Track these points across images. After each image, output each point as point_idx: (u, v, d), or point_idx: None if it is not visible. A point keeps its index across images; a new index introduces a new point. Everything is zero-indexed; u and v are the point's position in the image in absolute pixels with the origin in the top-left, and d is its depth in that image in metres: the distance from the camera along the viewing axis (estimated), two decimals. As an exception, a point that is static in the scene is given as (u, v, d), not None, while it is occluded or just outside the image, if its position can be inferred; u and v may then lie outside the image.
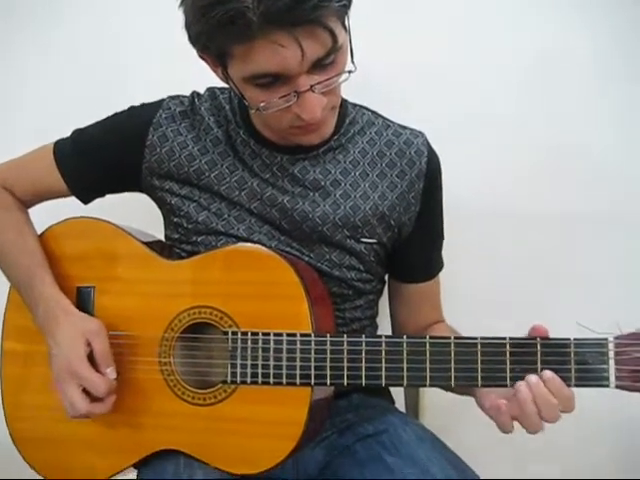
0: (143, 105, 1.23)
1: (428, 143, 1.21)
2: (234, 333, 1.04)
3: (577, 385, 0.93)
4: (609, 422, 1.55)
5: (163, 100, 1.22)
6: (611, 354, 0.92)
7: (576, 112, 1.51)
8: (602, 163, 1.51)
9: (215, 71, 1.07)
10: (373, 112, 1.23)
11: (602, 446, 1.58)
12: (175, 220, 1.19)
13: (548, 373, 0.93)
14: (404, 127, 1.22)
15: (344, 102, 1.20)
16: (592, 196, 1.51)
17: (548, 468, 1.59)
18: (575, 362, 0.93)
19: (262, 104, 1.02)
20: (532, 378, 0.93)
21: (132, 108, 1.23)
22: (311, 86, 0.99)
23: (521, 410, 0.93)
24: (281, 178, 1.16)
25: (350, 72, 1.02)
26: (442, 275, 1.29)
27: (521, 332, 0.97)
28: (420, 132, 1.22)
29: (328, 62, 0.99)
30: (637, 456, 1.58)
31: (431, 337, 0.98)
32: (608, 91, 1.51)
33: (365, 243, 1.16)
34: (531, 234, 1.54)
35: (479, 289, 1.53)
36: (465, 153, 1.49)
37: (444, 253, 1.29)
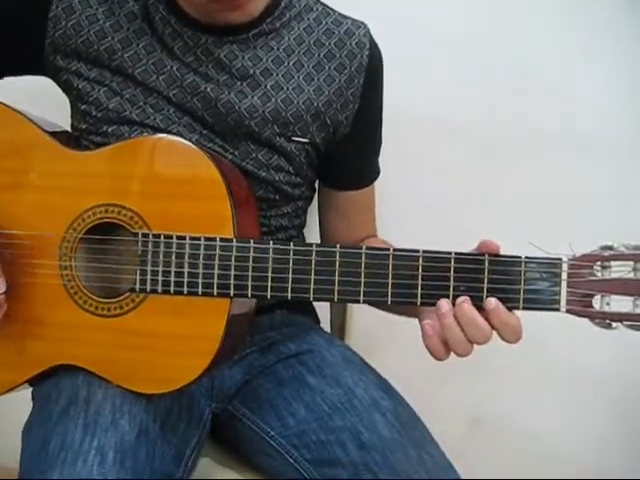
0: None
1: (371, 35, 1.11)
2: (145, 235, 0.94)
3: (525, 308, 0.85)
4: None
5: None
6: (564, 276, 0.84)
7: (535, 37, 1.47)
8: (553, 83, 1.48)
9: None
10: None
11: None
12: (83, 107, 1.07)
13: (492, 302, 0.85)
14: (345, 16, 1.12)
15: (280, -19, 1.09)
16: (544, 113, 1.48)
17: (478, 387, 1.57)
18: (525, 282, 0.85)
19: None
20: (459, 299, 0.86)
21: None
22: None
23: (446, 334, 0.86)
24: (205, 63, 1.05)
25: None
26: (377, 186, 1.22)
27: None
28: (362, 23, 1.12)
29: None
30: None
31: (368, 248, 0.89)
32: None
33: (296, 142, 1.07)
34: (483, 151, 1.50)
35: (417, 202, 1.50)
36: (411, 58, 1.43)
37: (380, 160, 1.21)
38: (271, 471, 1.03)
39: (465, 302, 0.85)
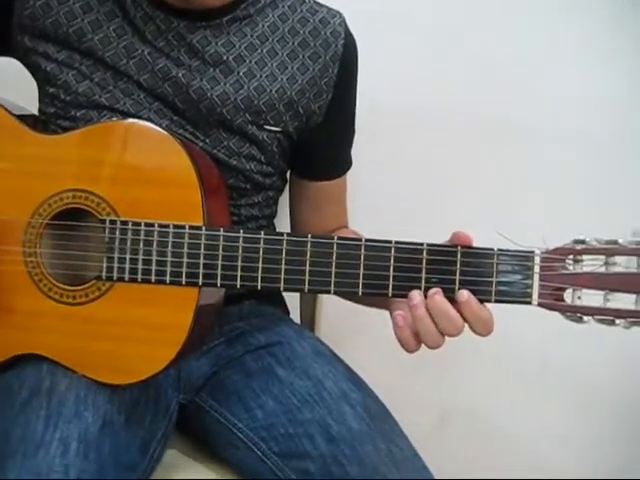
0: None
1: (346, 25, 1.11)
2: (112, 222, 0.92)
3: (497, 301, 0.85)
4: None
5: None
6: (536, 269, 0.84)
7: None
8: (525, 74, 1.49)
9: None
10: None
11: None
12: (51, 91, 1.05)
13: (465, 294, 0.84)
14: (321, 5, 1.11)
15: (255, -34, 1.07)
16: (517, 105, 1.49)
17: (448, 380, 1.57)
18: (497, 275, 0.84)
19: None
20: (431, 291, 0.85)
21: None
22: None
23: (417, 326, 0.85)
24: (177, 48, 1.03)
25: None
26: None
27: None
28: (338, 12, 1.11)
29: None
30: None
31: (339, 238, 0.88)
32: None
33: (268, 131, 1.06)
34: (456, 143, 1.50)
35: (389, 193, 1.49)
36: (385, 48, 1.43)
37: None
38: (238, 464, 1.01)
39: (437, 294, 0.84)
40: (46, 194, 0.94)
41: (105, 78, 1.03)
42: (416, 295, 0.85)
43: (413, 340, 0.86)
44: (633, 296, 0.81)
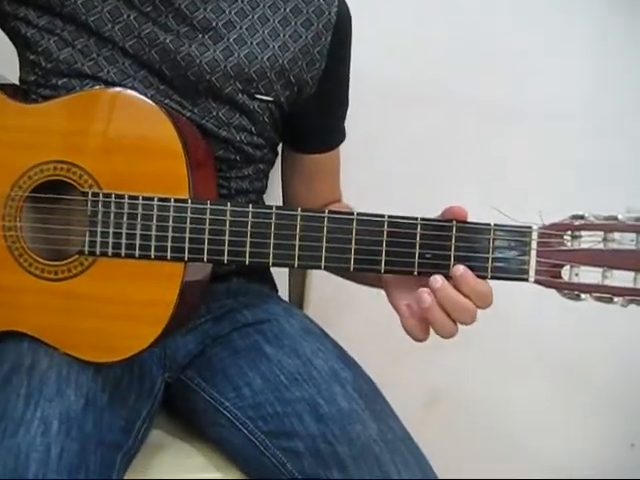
0: None
1: None
2: (95, 194, 0.89)
3: (493, 277, 0.83)
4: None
5: None
6: (533, 244, 0.82)
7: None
8: (522, 51, 1.48)
9: None
10: None
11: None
12: (32, 58, 1.02)
13: (460, 268, 0.81)
14: None
15: None
16: (514, 82, 1.48)
17: (438, 360, 1.56)
18: (493, 251, 0.82)
19: None
20: (435, 282, 0.81)
21: None
22: None
23: (427, 318, 0.83)
24: (164, 13, 1.00)
25: None
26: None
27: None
28: None
29: None
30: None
31: (330, 211, 0.85)
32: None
33: (260, 100, 1.03)
34: (451, 117, 1.49)
35: (383, 168, 1.48)
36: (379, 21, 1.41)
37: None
38: (225, 443, 1.00)
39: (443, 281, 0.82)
40: (26, 166, 0.91)
41: (88, 45, 1.00)
42: (427, 297, 0.82)
43: (420, 329, 0.84)
44: (632, 273, 0.80)
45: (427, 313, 0.82)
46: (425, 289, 0.82)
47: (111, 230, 0.88)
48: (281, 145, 1.17)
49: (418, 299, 0.82)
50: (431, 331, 0.84)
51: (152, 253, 0.87)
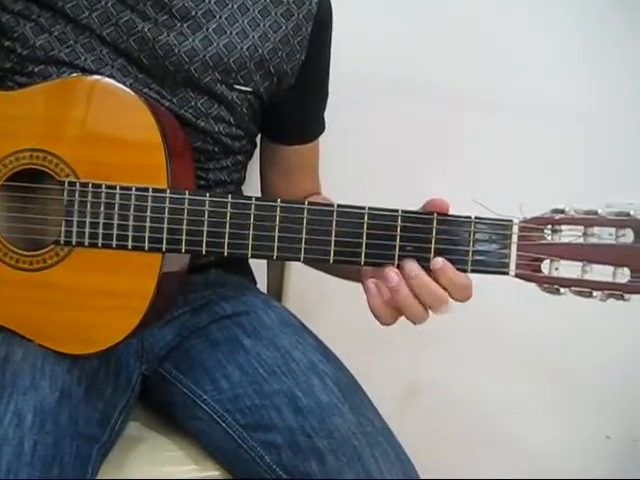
0: None
1: None
2: (71, 184, 0.88)
3: (474, 271, 0.82)
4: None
5: None
6: (514, 238, 0.81)
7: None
8: (506, 47, 1.48)
9: None
10: None
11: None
12: (7, 44, 1.00)
13: (439, 261, 0.81)
14: None
15: None
16: (497, 76, 1.48)
17: (416, 353, 1.56)
18: (474, 244, 0.82)
19: None
20: (411, 270, 0.81)
21: None
22: None
23: (395, 298, 0.81)
24: (143, 1, 0.99)
25: None
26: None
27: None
28: None
29: None
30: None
31: (310, 203, 0.85)
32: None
33: (239, 91, 1.03)
34: (433, 110, 1.49)
35: (364, 160, 1.47)
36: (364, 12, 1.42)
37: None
38: (202, 436, 0.99)
39: (413, 262, 0.81)
40: (1, 154, 0.90)
41: (65, 32, 0.99)
42: (393, 275, 0.81)
43: (387, 312, 0.83)
44: (611, 268, 0.80)
45: (394, 294, 0.81)
46: (393, 268, 0.81)
47: (88, 220, 0.87)
48: (260, 136, 1.16)
49: (385, 277, 0.81)
50: (409, 323, 0.83)
51: (129, 243, 0.86)
